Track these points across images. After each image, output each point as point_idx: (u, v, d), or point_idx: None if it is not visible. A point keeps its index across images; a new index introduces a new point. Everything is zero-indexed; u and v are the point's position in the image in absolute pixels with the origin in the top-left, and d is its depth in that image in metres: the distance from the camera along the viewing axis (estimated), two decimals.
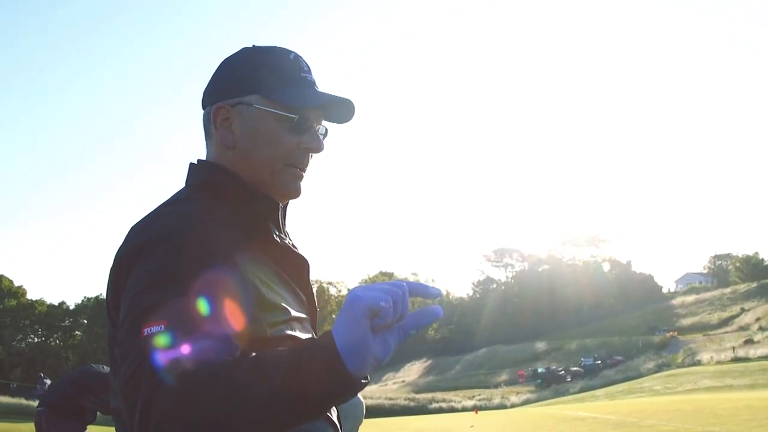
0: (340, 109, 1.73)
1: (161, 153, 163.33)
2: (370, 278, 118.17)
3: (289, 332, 1.52)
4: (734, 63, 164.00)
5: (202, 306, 1.32)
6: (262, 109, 1.62)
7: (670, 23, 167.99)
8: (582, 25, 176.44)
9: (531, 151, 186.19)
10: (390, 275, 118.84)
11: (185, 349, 1.24)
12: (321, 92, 1.69)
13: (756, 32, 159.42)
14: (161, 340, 1.26)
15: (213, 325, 1.31)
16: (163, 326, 1.27)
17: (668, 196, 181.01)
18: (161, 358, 1.23)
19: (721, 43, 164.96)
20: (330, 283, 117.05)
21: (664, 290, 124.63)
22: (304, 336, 1.58)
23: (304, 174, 1.70)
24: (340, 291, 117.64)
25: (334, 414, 1.67)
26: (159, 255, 1.37)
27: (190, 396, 1.16)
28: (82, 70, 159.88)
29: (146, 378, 1.22)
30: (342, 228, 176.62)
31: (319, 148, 1.69)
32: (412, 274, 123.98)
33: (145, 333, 1.27)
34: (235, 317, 1.36)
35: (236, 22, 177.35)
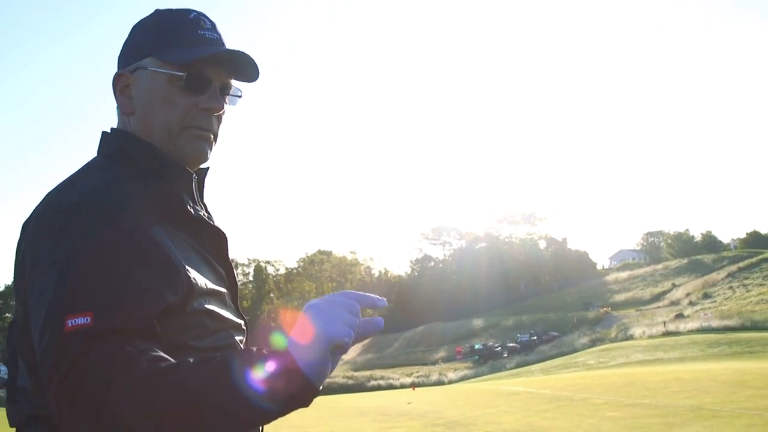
0: (242, 63, 1.61)
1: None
2: (308, 257, 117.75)
3: (207, 306, 1.49)
4: (663, 45, 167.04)
5: (125, 287, 1.29)
6: (155, 71, 1.58)
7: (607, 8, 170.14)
8: (522, 7, 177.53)
9: (468, 130, 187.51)
10: (328, 254, 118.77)
11: (119, 344, 1.22)
12: (213, 47, 1.60)
13: (686, 15, 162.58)
14: (90, 335, 1.22)
15: (139, 311, 1.28)
16: (89, 318, 1.23)
17: (603, 175, 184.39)
18: (96, 359, 1.19)
19: (655, 24, 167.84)
20: (268, 262, 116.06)
21: (599, 267, 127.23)
22: (222, 311, 1.55)
23: (209, 135, 1.61)
24: (278, 270, 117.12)
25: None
26: (73, 228, 1.34)
27: (143, 400, 1.16)
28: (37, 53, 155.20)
29: (89, 388, 1.18)
30: (280, 206, 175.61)
31: (216, 108, 1.60)
32: (351, 252, 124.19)
33: (70, 325, 1.22)
34: (157, 295, 1.33)
35: None
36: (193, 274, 1.46)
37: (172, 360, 1.24)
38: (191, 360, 1.22)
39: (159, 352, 1.24)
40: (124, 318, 1.26)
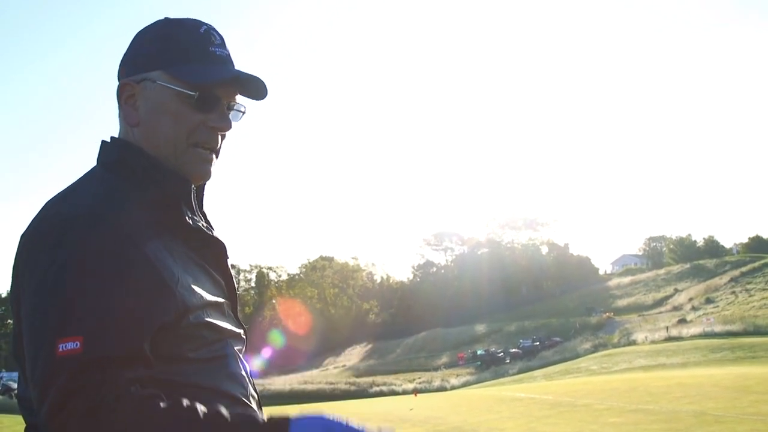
0: (254, 85, 1.62)
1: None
2: (310, 263, 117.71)
3: (206, 319, 1.48)
4: (665, 49, 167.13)
5: (117, 311, 1.28)
6: (164, 85, 1.56)
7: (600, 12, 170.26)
8: (523, 12, 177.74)
9: (469, 136, 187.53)
10: (330, 260, 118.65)
11: (110, 376, 1.23)
12: (227, 68, 1.61)
13: (692, 18, 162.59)
14: (78, 362, 1.23)
15: (130, 337, 1.29)
16: (79, 343, 1.23)
17: (605, 180, 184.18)
18: (84, 390, 1.21)
19: (656, 26, 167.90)
20: (270, 268, 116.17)
21: (601, 272, 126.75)
22: (221, 322, 1.54)
23: (213, 156, 1.62)
24: (279, 276, 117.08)
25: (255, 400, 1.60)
26: (68, 244, 1.33)
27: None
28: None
29: (77, 420, 1.20)
30: (282, 212, 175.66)
31: (225, 127, 1.61)
32: (353, 258, 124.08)
33: (61, 350, 1.23)
34: (149, 320, 1.33)
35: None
36: (190, 289, 1.45)
37: (161, 396, 1.25)
38: (184, 400, 1.25)
39: (148, 387, 1.26)
40: (114, 345, 1.26)
